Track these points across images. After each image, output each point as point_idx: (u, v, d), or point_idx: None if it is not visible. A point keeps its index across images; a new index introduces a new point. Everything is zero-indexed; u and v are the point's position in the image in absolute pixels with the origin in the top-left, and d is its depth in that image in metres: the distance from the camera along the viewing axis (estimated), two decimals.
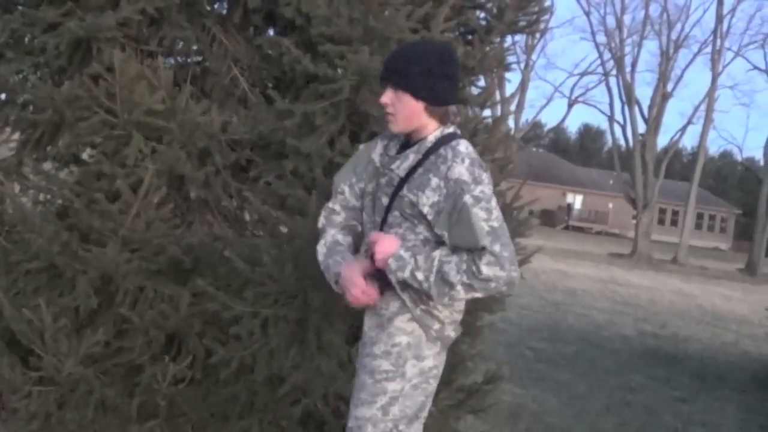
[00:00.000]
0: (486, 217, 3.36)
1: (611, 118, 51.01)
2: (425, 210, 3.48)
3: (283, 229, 4.80)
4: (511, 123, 47.65)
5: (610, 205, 73.93)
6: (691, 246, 50.55)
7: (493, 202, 3.41)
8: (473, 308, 5.30)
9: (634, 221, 50.59)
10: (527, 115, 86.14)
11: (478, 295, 3.46)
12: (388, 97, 3.56)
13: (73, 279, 4.93)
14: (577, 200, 74.44)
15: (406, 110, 3.54)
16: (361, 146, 4.05)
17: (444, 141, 3.55)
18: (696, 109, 52.17)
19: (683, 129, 63.64)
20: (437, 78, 3.52)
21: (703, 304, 22.93)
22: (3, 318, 4.88)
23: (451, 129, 3.62)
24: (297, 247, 4.53)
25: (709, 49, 50.51)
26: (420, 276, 3.44)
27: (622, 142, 50.07)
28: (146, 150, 4.92)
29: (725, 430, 8.69)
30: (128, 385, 4.96)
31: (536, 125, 78.13)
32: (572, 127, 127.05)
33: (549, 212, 67.50)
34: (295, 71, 5.13)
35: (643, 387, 10.37)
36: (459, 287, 3.40)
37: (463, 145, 3.53)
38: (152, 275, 4.95)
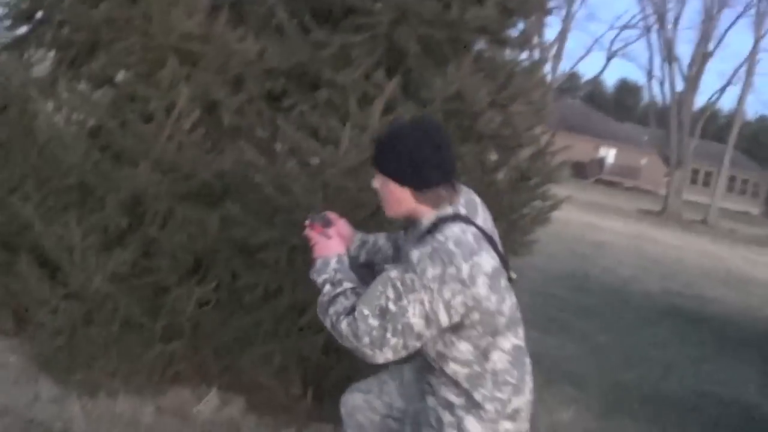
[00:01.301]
0: (390, 296, 3.19)
1: (650, 74, 50.42)
2: None
3: (315, 160, 4.80)
4: (548, 71, 47.20)
5: (643, 162, 73.31)
6: (722, 208, 50.20)
7: (412, 296, 3.15)
8: None
9: (666, 179, 50.21)
10: (565, 66, 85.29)
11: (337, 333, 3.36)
12: (377, 181, 3.46)
13: (104, 198, 4.96)
14: (610, 154, 73.83)
15: (392, 197, 3.43)
16: None
17: (437, 226, 3.36)
18: (736, 70, 51.35)
19: (722, 90, 63.08)
20: (422, 164, 3.34)
21: (730, 266, 22.80)
22: (33, 233, 4.93)
23: (449, 211, 3.40)
24: (328, 177, 4.54)
25: (753, 11, 49.75)
26: (325, 289, 3.43)
27: (659, 99, 49.59)
28: (181, 74, 4.92)
29: (744, 391, 8.67)
30: (154, 306, 4.99)
31: (573, 76, 77.13)
32: (609, 81, 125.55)
33: (581, 164, 67.04)
34: (333, 2, 5.11)
35: (665, 343, 10.36)
36: (326, 319, 3.38)
37: (445, 234, 3.27)
38: (182, 198, 4.97)
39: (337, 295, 3.37)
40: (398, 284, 3.18)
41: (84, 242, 4.71)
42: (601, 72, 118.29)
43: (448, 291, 3.16)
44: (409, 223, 3.56)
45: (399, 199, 3.41)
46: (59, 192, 5.10)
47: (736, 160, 62.97)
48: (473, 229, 3.32)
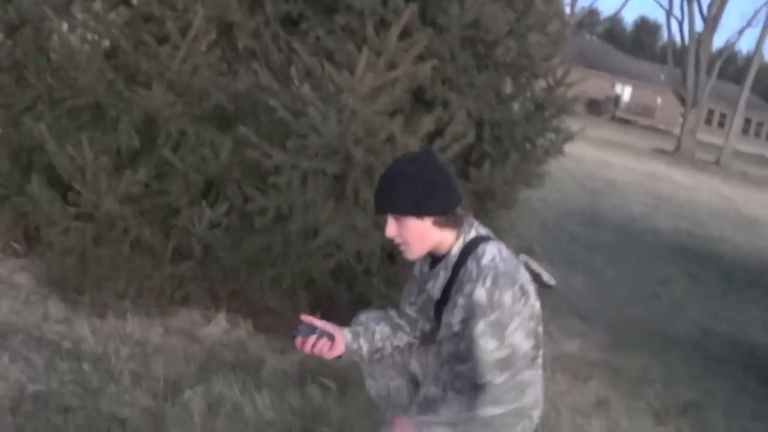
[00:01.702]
0: (495, 346, 3.19)
1: (669, 12, 49.84)
2: (456, 329, 3.33)
3: (330, 85, 4.77)
4: (566, 6, 46.73)
5: (659, 100, 72.86)
6: (736, 150, 49.90)
7: (510, 328, 3.19)
8: (512, 180, 5.31)
9: (681, 119, 49.90)
10: (584, 2, 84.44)
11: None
12: (391, 229, 3.35)
13: (117, 119, 4.95)
14: (625, 92, 73.37)
15: (414, 234, 3.33)
16: None
17: (469, 250, 3.34)
18: (756, 12, 51.18)
19: (741, 31, 62.56)
20: (432, 189, 3.28)
21: (741, 208, 22.74)
22: (45, 153, 4.93)
23: (472, 234, 3.39)
24: (342, 102, 4.51)
25: None
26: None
27: (677, 38, 49.21)
28: None
29: (750, 330, 8.69)
30: (164, 227, 5.01)
31: (592, 12, 76.66)
32: (628, 18, 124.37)
33: (596, 101, 66.68)
34: None
35: (673, 281, 10.38)
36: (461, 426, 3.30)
37: (488, 257, 3.27)
38: (195, 120, 4.96)
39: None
40: (491, 331, 3.19)
41: (96, 163, 4.71)
42: (621, 9, 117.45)
43: (527, 306, 3.23)
44: (426, 258, 3.52)
45: (421, 233, 3.33)
46: (72, 112, 5.10)
47: (752, 103, 62.59)
48: (500, 244, 3.35)
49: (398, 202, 3.29)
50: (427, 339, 3.68)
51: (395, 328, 3.64)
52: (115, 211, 4.80)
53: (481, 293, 3.18)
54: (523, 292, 3.23)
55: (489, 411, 3.19)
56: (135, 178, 4.81)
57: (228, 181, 4.93)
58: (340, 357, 3.47)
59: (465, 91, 5.02)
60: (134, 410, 3.99)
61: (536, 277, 3.51)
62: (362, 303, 5.04)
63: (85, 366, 4.33)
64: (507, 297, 3.18)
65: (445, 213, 3.31)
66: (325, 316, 5.37)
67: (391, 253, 4.75)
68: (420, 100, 5.04)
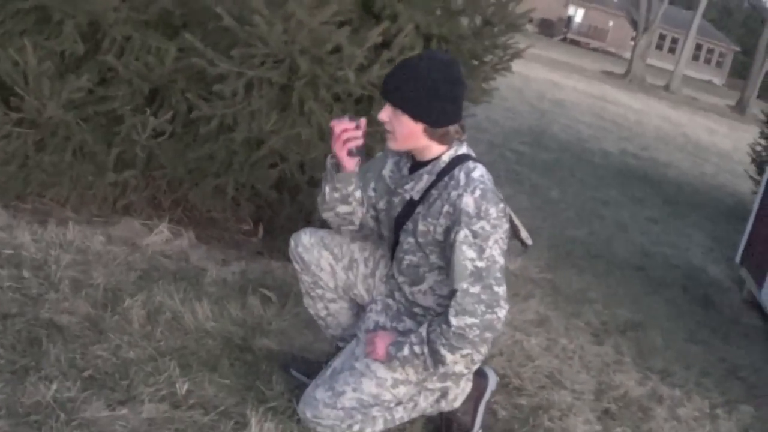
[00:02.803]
0: (474, 256, 3.20)
1: None
2: (439, 237, 3.35)
3: None
4: None
5: (611, 23, 72.99)
6: (686, 76, 50.28)
7: (491, 240, 3.21)
8: None
9: (633, 42, 50.07)
10: None
11: (469, 351, 3.25)
12: (386, 113, 3.36)
13: (61, 23, 4.84)
14: (578, 13, 73.42)
15: (403, 130, 3.35)
16: (377, 155, 3.83)
17: (459, 161, 3.38)
18: None
19: None
20: (438, 100, 3.30)
21: (689, 133, 22.94)
22: None
23: (464, 149, 3.43)
24: (289, 11, 4.44)
25: None
26: (417, 349, 3.33)
27: None
28: None
29: (691, 254, 8.81)
30: (108, 134, 4.95)
31: None
32: None
33: (548, 22, 66.68)
34: None
35: (617, 203, 10.47)
36: (444, 353, 3.26)
37: (478, 172, 3.32)
38: (141, 26, 4.87)
39: (428, 336, 3.30)
40: (472, 240, 3.21)
41: (39, 68, 4.61)
42: None
43: (505, 224, 3.30)
44: (404, 161, 3.56)
45: (410, 134, 3.36)
46: (15, 16, 4.96)
47: (703, 29, 62.90)
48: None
49: (400, 96, 3.32)
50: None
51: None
52: (57, 117, 4.72)
53: (469, 201, 3.23)
54: (505, 213, 3.29)
55: (462, 320, 3.19)
56: (78, 84, 4.72)
57: (172, 89, 4.87)
58: (344, 170, 3.48)
59: (413, 3, 4.95)
60: (73, 318, 3.96)
61: (515, 232, 3.55)
62: (305, 214, 5.04)
63: (25, 273, 4.29)
64: (493, 211, 3.23)
65: (438, 126, 3.35)
66: (268, 229, 5.41)
67: None
68: (368, 11, 4.98)
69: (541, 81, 24.64)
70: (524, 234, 3.59)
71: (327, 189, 3.56)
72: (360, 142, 3.41)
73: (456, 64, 3.42)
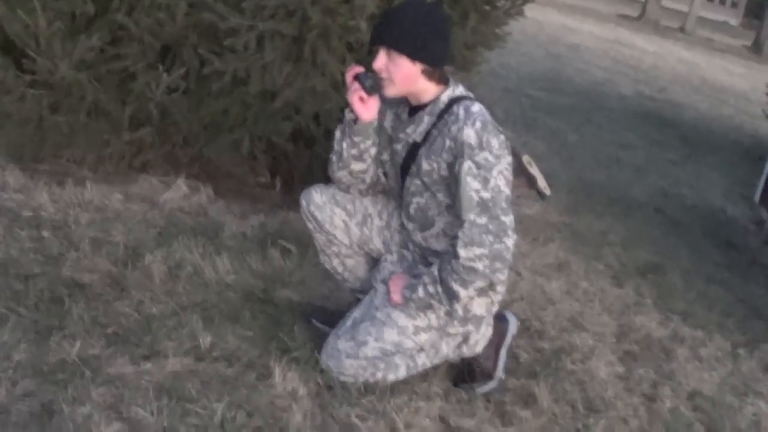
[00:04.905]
0: (479, 186, 3.20)
1: None
2: (444, 174, 3.36)
3: None
4: None
5: None
6: (700, 17, 49.68)
7: (495, 171, 3.22)
8: (471, 42, 5.27)
9: None
10: None
11: (483, 284, 3.26)
12: (381, 61, 3.35)
13: None
14: None
15: (401, 73, 3.34)
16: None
17: (457, 100, 3.40)
18: None
19: None
20: (432, 38, 3.32)
21: (705, 75, 22.72)
22: None
23: (460, 90, 3.46)
24: None
25: None
26: (431, 289, 3.34)
27: None
28: None
29: (710, 194, 8.77)
30: (121, 92, 4.94)
31: None
32: None
33: None
34: None
35: (635, 146, 10.42)
36: (457, 288, 3.27)
37: (477, 107, 3.34)
38: None
39: (440, 275, 3.32)
40: (476, 171, 3.22)
41: (50, 29, 4.59)
42: None
43: (508, 156, 3.32)
44: (402, 107, 3.57)
45: (408, 76, 3.36)
46: None
47: None
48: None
49: (397, 38, 3.32)
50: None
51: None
52: (70, 77, 4.71)
53: (470, 132, 3.25)
54: (506, 146, 3.32)
55: (471, 251, 3.19)
56: (90, 44, 4.70)
57: (184, 45, 4.84)
58: (361, 121, 3.49)
59: None
60: (95, 275, 4.00)
61: (532, 183, 3.56)
62: (322, 165, 5.04)
63: (45, 233, 4.32)
64: (494, 142, 3.26)
65: (436, 65, 3.37)
66: (285, 181, 5.41)
67: None
68: None
69: (555, 25, 24.43)
70: (542, 184, 3.59)
71: (344, 145, 3.57)
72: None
73: (440, 4, 3.51)
